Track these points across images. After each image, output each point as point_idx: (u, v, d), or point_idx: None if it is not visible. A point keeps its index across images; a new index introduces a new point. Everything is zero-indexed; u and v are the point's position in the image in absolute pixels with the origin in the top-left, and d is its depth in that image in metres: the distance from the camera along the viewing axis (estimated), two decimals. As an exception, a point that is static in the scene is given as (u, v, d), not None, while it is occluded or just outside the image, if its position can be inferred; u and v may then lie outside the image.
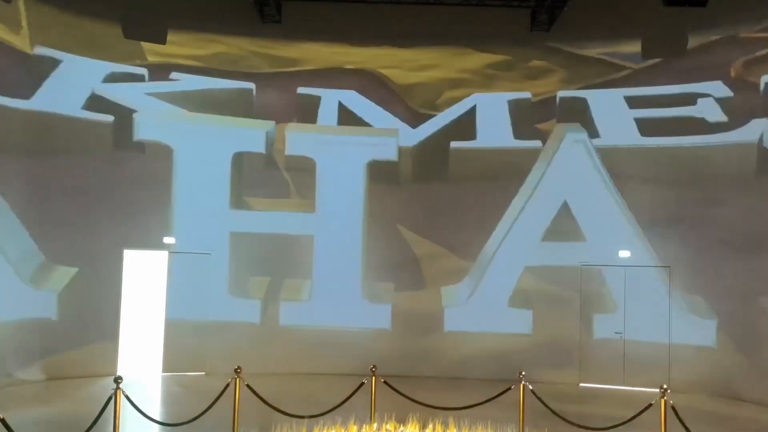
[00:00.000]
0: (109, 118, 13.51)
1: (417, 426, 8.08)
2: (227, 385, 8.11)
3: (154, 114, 13.90)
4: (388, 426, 8.09)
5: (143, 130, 13.73)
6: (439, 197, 14.70)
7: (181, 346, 13.68)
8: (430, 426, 8.17)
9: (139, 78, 13.87)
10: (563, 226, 14.01)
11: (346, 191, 14.56)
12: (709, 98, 13.44)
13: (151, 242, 13.79)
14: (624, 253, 13.67)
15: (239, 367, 8.23)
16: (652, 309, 13.47)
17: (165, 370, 13.64)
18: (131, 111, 13.63)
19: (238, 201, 14.32)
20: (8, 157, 12.18)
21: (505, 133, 14.76)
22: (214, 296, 14.00)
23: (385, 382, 8.70)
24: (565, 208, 14.05)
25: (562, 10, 13.28)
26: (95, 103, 13.43)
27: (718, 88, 13.36)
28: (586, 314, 13.94)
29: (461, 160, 14.79)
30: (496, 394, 8.56)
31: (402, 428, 8.04)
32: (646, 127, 13.90)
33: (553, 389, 11.81)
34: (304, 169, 14.50)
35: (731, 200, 12.91)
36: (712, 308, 13.04)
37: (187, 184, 13.98)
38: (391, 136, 14.70)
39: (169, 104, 14.02)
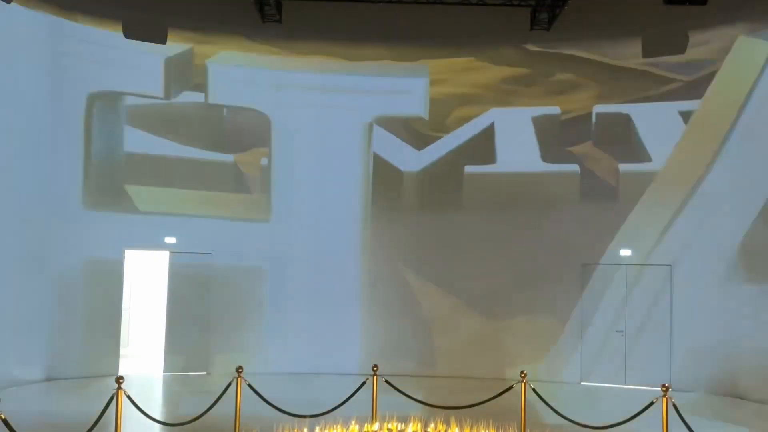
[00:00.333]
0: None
1: (418, 425, 8.07)
2: (229, 384, 8.09)
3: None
4: (389, 426, 8.08)
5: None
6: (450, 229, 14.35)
7: (182, 346, 13.76)
8: (432, 426, 8.16)
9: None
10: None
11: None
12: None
13: (152, 242, 13.84)
14: (625, 252, 13.72)
15: (240, 367, 8.23)
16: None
17: (166, 369, 13.70)
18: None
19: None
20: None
21: (531, 155, 14.29)
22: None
23: (386, 382, 8.68)
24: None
25: (563, 8, 13.24)
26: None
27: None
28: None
29: (477, 187, 14.39)
30: (497, 393, 8.57)
31: (403, 427, 8.03)
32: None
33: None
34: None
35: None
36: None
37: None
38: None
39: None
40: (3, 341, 11.86)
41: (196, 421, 7.85)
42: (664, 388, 7.43)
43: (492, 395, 8.57)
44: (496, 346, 13.95)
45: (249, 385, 8.10)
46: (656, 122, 13.73)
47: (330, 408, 8.39)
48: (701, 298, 13.06)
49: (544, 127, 14.27)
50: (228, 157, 14.42)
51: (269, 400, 8.25)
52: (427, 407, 8.99)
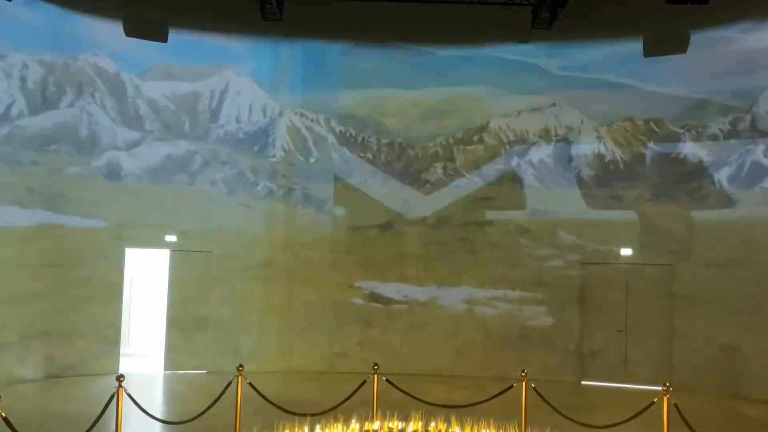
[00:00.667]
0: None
1: (419, 424, 8.10)
2: (229, 383, 8.11)
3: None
4: (390, 424, 8.11)
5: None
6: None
7: (183, 344, 13.84)
8: (433, 425, 8.19)
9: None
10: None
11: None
12: None
13: (153, 240, 13.95)
14: (625, 251, 13.70)
15: (241, 365, 8.24)
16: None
17: (167, 368, 13.77)
18: None
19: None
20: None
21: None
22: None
23: (387, 381, 8.69)
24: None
25: (564, 7, 13.22)
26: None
27: None
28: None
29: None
30: (499, 391, 8.57)
31: (404, 425, 8.06)
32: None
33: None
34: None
35: None
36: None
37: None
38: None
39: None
40: (3, 339, 11.90)
41: (197, 420, 7.87)
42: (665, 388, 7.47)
43: (492, 394, 8.58)
44: None
45: (249, 384, 8.11)
46: None
47: (331, 407, 8.40)
48: None
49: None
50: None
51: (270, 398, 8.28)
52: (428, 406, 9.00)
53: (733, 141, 13.59)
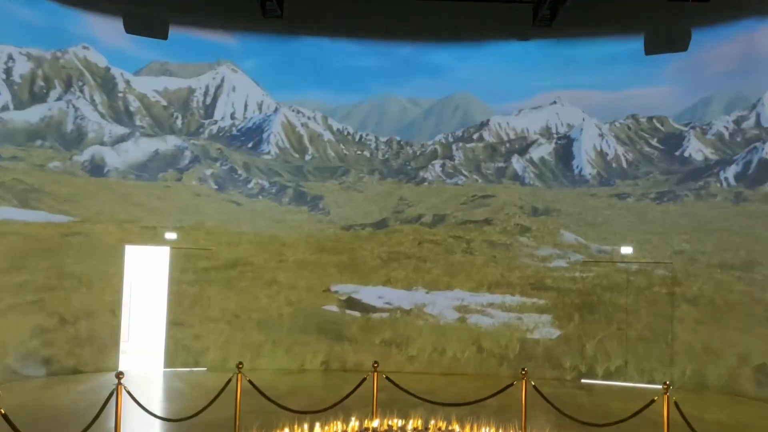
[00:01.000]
0: None
1: (419, 422, 8.37)
2: (228, 380, 8.39)
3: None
4: (389, 422, 8.37)
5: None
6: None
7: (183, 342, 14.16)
8: (432, 423, 8.44)
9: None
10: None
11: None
12: None
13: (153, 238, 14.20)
14: (626, 249, 14.09)
15: (240, 363, 8.56)
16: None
17: (167, 365, 14.07)
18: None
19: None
20: None
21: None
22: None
23: (387, 378, 9.02)
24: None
25: (564, 5, 13.45)
26: None
27: None
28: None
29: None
30: (498, 389, 8.86)
31: (404, 424, 8.31)
32: None
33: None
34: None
35: None
36: None
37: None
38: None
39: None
40: (3, 336, 12.27)
41: (196, 417, 8.15)
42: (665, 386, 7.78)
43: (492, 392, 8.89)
44: None
45: (249, 381, 8.43)
46: None
47: (330, 404, 8.70)
48: None
49: None
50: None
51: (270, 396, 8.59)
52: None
53: (738, 139, 13.96)
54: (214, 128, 15.46)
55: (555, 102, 15.41)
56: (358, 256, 15.18)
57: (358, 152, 15.70)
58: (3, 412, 6.46)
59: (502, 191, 15.40)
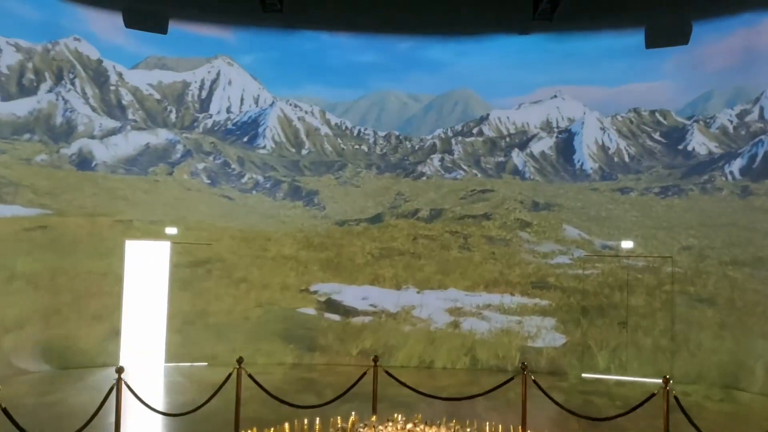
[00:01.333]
0: None
1: (419, 417, 8.67)
2: (229, 375, 8.64)
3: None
4: (390, 418, 8.66)
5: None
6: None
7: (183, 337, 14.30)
8: (432, 419, 8.73)
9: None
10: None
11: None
12: None
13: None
14: (626, 244, 14.34)
15: (241, 358, 8.89)
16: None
17: (167, 360, 14.25)
18: None
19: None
20: None
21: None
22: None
23: (387, 373, 9.34)
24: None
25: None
26: None
27: None
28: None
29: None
30: (498, 384, 9.12)
31: (403, 419, 8.60)
32: None
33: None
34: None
35: None
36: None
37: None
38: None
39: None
40: (3, 331, 12.61)
41: (197, 412, 8.44)
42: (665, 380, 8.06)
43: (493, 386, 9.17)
44: None
45: (249, 376, 8.75)
46: None
47: (330, 399, 9.02)
48: None
49: None
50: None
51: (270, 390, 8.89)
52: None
53: (743, 132, 14.29)
54: (209, 122, 15.73)
55: (555, 96, 15.75)
56: (347, 253, 15.15)
57: (356, 147, 15.97)
58: (3, 406, 6.70)
59: (501, 186, 15.64)
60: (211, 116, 15.79)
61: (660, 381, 8.08)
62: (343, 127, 16.12)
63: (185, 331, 14.29)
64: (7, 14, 13.45)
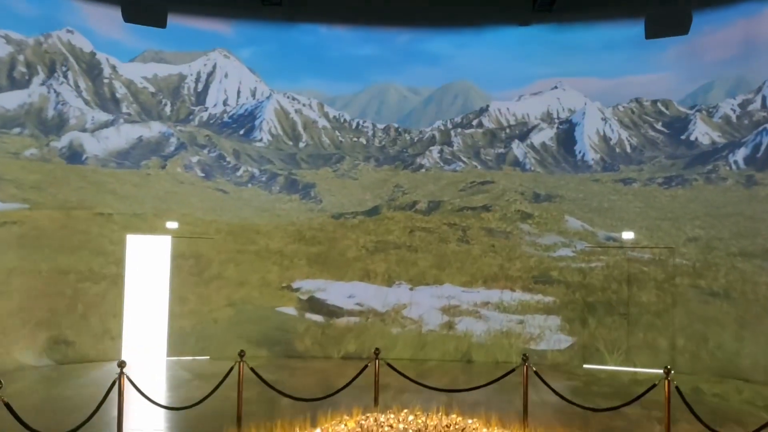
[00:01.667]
0: None
1: (420, 409, 8.95)
2: (231, 369, 8.92)
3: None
4: (391, 411, 8.95)
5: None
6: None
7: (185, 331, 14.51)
8: (434, 410, 9.00)
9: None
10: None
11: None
12: None
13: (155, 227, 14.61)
14: (627, 234, 14.58)
15: (243, 351, 9.18)
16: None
17: (169, 354, 14.46)
18: None
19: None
20: None
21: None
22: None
23: (388, 365, 9.64)
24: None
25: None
26: None
27: None
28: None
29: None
30: (499, 375, 9.47)
31: (405, 412, 8.87)
32: None
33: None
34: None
35: None
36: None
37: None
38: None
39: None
40: (6, 325, 12.90)
41: (199, 405, 8.68)
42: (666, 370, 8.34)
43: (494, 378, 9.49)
44: None
45: (252, 369, 9.05)
46: None
47: (332, 392, 9.31)
48: None
49: None
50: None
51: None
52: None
53: (746, 121, 14.56)
54: (205, 115, 15.98)
55: (556, 87, 16.02)
56: (338, 246, 15.17)
57: (354, 139, 16.20)
58: (6, 400, 6.83)
59: (502, 177, 15.85)
60: (206, 109, 16.01)
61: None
62: (342, 120, 16.35)
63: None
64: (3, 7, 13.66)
